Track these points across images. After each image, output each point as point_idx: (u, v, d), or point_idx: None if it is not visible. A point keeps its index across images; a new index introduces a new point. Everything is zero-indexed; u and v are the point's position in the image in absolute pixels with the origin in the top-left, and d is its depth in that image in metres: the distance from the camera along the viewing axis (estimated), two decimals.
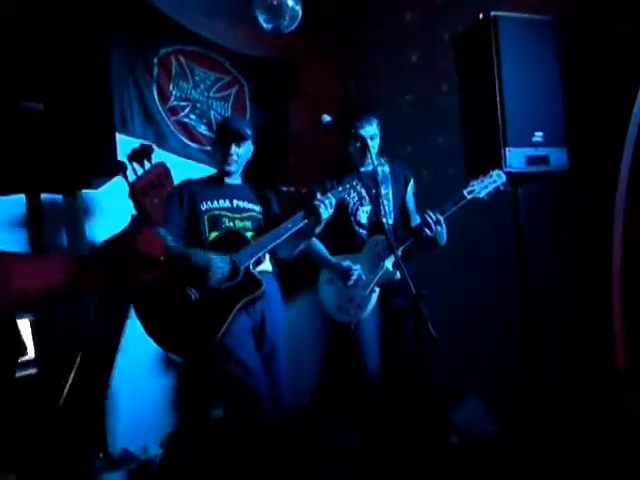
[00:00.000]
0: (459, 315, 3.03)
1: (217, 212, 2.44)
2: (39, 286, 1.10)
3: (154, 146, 1.27)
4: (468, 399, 2.76)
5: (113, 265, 1.16)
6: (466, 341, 2.98)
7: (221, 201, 2.47)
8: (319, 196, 2.37)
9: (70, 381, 1.07)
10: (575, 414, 2.40)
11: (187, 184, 2.49)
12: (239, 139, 2.44)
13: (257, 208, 2.55)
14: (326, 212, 2.34)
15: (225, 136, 2.46)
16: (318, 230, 2.45)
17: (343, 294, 2.54)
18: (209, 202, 2.45)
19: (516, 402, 2.56)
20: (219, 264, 2.25)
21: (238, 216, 2.48)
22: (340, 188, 2.41)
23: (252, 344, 2.38)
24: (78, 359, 1.10)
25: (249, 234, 2.44)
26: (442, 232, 2.42)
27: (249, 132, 2.48)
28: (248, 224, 2.48)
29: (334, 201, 2.37)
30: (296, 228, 2.34)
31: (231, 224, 2.45)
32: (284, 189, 2.54)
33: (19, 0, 1.84)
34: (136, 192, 1.19)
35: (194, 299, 2.21)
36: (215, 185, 2.52)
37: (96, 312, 1.15)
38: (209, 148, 3.49)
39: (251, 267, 2.31)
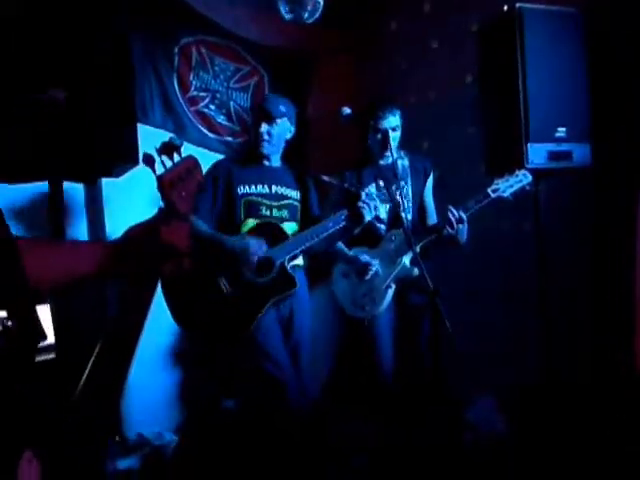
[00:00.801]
0: (474, 313, 3.00)
1: (254, 198, 2.36)
2: (69, 272, 1.12)
3: (182, 140, 1.28)
4: (481, 397, 2.75)
5: (137, 254, 1.17)
6: (481, 339, 2.96)
7: (259, 186, 2.38)
8: (364, 197, 2.30)
9: (89, 367, 1.08)
10: (589, 414, 2.38)
11: (223, 164, 2.43)
12: (269, 118, 2.33)
13: (295, 195, 2.46)
14: (370, 215, 2.29)
15: (255, 115, 2.39)
16: (357, 231, 2.40)
17: (358, 288, 2.51)
18: (246, 186, 2.35)
19: (529, 401, 2.54)
20: (255, 247, 2.19)
21: (276, 204, 2.39)
22: (375, 190, 2.38)
23: (280, 338, 2.34)
24: (98, 345, 1.11)
25: (286, 224, 2.38)
26: (463, 230, 2.39)
27: (283, 110, 2.36)
28: (285, 213, 2.41)
29: (379, 205, 2.32)
30: (336, 228, 2.30)
31: (268, 212, 2.37)
32: (325, 178, 2.44)
33: None
34: (164, 184, 1.21)
35: (225, 291, 2.19)
36: (253, 167, 2.42)
37: (119, 299, 1.16)
38: (228, 139, 3.51)
39: (286, 264, 2.27)
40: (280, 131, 2.38)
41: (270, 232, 2.30)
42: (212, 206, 2.31)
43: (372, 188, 2.36)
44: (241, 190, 2.34)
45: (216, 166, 2.39)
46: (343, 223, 2.30)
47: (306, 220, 2.46)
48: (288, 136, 2.43)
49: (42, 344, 2.20)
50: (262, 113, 2.35)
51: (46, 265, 1.05)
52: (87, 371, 1.09)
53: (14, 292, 0.98)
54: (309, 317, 2.49)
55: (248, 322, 2.20)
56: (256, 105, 2.51)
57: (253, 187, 2.37)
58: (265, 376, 2.24)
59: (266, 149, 2.38)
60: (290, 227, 2.41)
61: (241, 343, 2.25)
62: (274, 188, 2.41)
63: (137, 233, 1.26)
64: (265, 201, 2.37)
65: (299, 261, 2.42)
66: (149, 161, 1.22)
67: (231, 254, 2.19)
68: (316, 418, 2.40)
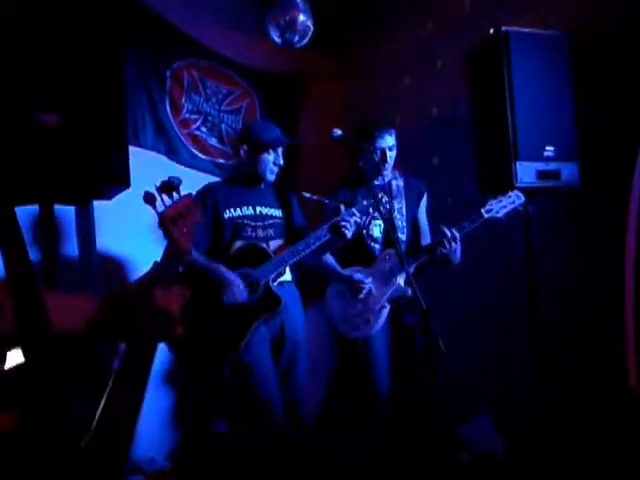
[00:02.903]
0: (468, 332, 3.00)
1: (240, 220, 2.45)
2: (61, 324, 1.09)
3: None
4: (478, 417, 2.73)
5: (127, 318, 1.16)
6: (475, 358, 2.95)
7: (244, 208, 2.48)
8: (344, 213, 2.37)
9: (100, 411, 1.07)
10: (586, 432, 2.37)
11: (211, 189, 2.51)
12: (277, 147, 2.48)
13: (279, 213, 2.56)
14: (351, 232, 2.35)
15: (265, 143, 2.46)
16: (341, 244, 2.46)
17: (352, 308, 2.50)
18: (232, 210, 2.45)
19: (526, 420, 2.53)
20: (236, 283, 2.29)
21: (261, 224, 2.49)
22: (365, 203, 2.42)
23: (269, 357, 2.40)
24: (106, 392, 1.10)
25: (273, 242, 2.47)
26: (457, 250, 2.40)
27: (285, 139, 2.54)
28: (271, 232, 2.50)
29: (360, 220, 2.39)
30: (319, 244, 2.36)
31: (253, 233, 2.46)
32: (307, 195, 2.49)
33: (34, 15, 1.87)
34: (165, 221, 1.24)
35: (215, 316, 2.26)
36: (238, 190, 2.52)
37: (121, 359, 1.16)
38: (220, 160, 3.52)
39: (270, 283, 2.33)
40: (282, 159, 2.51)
41: (254, 252, 2.39)
42: (205, 231, 2.40)
43: (354, 209, 2.39)
44: (227, 214, 2.44)
45: (205, 192, 2.48)
46: (325, 238, 2.36)
47: (292, 235, 2.54)
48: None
49: None
50: (275, 141, 2.46)
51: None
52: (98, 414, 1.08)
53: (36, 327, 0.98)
54: (302, 329, 2.54)
55: (236, 343, 2.27)
56: (263, 132, 2.51)
57: (238, 210, 2.46)
58: (250, 396, 2.30)
59: (274, 177, 2.50)
60: (275, 244, 2.49)
61: (230, 365, 2.30)
62: (258, 209, 2.50)
63: (131, 295, 1.26)
64: (251, 222, 2.46)
65: (287, 276, 2.49)
66: (150, 200, 1.25)
67: (218, 281, 2.29)
68: (312, 437, 2.38)
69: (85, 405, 1.10)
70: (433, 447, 2.37)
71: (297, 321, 2.51)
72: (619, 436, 2.24)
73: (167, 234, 1.25)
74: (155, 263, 1.28)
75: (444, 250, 2.36)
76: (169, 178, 1.30)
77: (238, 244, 2.42)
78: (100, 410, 1.06)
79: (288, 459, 2.25)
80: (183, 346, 2.29)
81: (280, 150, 2.49)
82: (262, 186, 2.55)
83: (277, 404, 2.32)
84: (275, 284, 2.36)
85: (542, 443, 2.37)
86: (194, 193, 2.29)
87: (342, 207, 2.39)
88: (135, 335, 1.13)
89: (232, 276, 2.30)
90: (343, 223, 2.33)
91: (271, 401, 2.31)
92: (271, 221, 2.51)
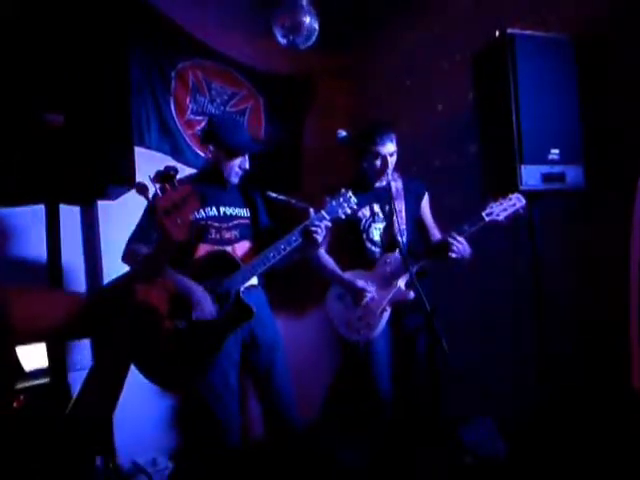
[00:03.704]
0: (472, 334, 3.00)
1: (203, 222, 2.34)
2: (42, 321, 1.07)
3: (178, 168, 1.27)
4: (480, 418, 2.72)
5: (109, 315, 1.12)
6: (478, 359, 2.95)
7: (207, 209, 2.36)
8: (314, 217, 2.28)
9: (74, 400, 1.04)
10: (589, 433, 2.36)
11: None
12: (246, 152, 2.41)
13: (244, 213, 2.46)
14: (322, 236, 2.27)
15: (236, 147, 2.37)
16: (313, 249, 2.38)
17: (353, 312, 2.49)
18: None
19: (528, 421, 2.52)
20: (205, 299, 2.16)
21: (225, 225, 2.38)
22: (334, 203, 2.33)
23: (234, 375, 2.31)
24: (83, 383, 1.07)
25: (238, 245, 2.37)
26: (465, 248, 2.39)
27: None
28: (236, 233, 2.40)
29: (330, 224, 2.29)
30: (289, 249, 2.26)
31: (218, 235, 2.36)
32: (273, 195, 2.38)
33: (39, 16, 1.88)
34: (158, 212, 1.19)
35: (181, 328, 2.12)
36: (201, 190, 2.33)
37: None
38: None
39: (241, 294, 2.22)
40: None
41: (220, 261, 2.26)
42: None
43: (323, 212, 2.31)
44: None
45: None
46: (295, 243, 2.27)
47: (259, 236, 2.45)
48: None
49: (37, 368, 2.18)
50: (249, 147, 2.40)
51: (16, 310, 1.02)
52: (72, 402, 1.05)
53: None
54: (276, 332, 2.46)
55: (208, 361, 2.16)
56: (228, 135, 2.40)
57: (202, 211, 2.35)
58: (206, 411, 2.24)
59: (237, 180, 2.42)
60: (242, 247, 2.39)
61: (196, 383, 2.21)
62: (222, 209, 2.40)
63: (113, 292, 1.21)
64: (215, 223, 2.36)
65: (253, 280, 2.36)
66: (142, 190, 1.21)
67: (183, 297, 2.15)
68: (313, 440, 2.37)
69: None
70: (434, 449, 2.37)
71: (268, 325, 2.43)
72: (621, 437, 2.23)
73: (159, 225, 1.20)
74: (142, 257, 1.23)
75: (454, 255, 2.35)
76: (165, 168, 1.24)
77: (203, 247, 2.31)
78: (75, 397, 1.03)
79: (290, 460, 2.25)
80: (149, 365, 2.12)
81: (247, 155, 2.41)
82: (226, 186, 2.45)
83: (234, 425, 2.26)
84: (242, 289, 2.25)
85: (544, 444, 2.37)
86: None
87: (311, 210, 2.30)
88: (116, 330, 1.10)
89: (200, 292, 2.16)
90: (313, 228, 2.25)
91: (228, 421, 2.24)
92: (236, 222, 2.41)
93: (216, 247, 2.32)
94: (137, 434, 2.93)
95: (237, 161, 2.38)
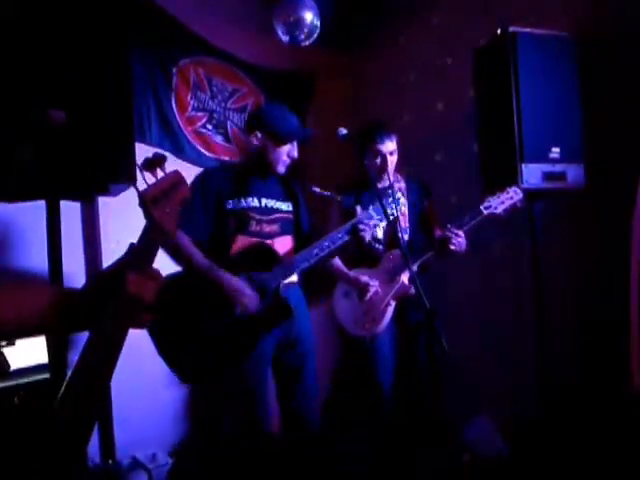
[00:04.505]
0: (473, 331, 3.00)
1: (244, 212, 2.22)
2: (20, 316, 1.04)
3: (167, 154, 1.22)
4: (480, 417, 2.73)
5: (98, 306, 1.08)
6: (478, 358, 2.95)
7: (249, 199, 2.25)
8: (363, 214, 2.22)
9: (63, 389, 1.02)
10: (589, 433, 2.36)
11: (211, 175, 2.28)
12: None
13: (287, 207, 2.36)
14: (369, 235, 2.22)
15: (290, 135, 2.27)
16: (352, 249, 2.34)
17: (359, 308, 2.52)
18: (235, 200, 2.22)
19: (529, 422, 2.52)
20: (247, 293, 2.07)
21: (266, 218, 2.27)
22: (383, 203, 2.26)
23: (268, 371, 2.24)
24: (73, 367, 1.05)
25: (277, 240, 2.27)
26: (462, 243, 2.40)
27: None
28: (276, 227, 2.29)
29: (378, 222, 2.24)
30: (334, 248, 2.19)
31: (258, 227, 2.24)
32: (317, 191, 2.32)
33: (39, 14, 1.88)
34: (146, 201, 1.12)
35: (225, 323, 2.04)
36: (242, 179, 2.29)
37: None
38: (225, 158, 3.53)
39: (281, 290, 2.12)
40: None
41: (261, 254, 2.17)
42: (204, 222, 2.19)
43: (371, 210, 2.28)
44: (230, 204, 2.22)
45: (204, 178, 2.25)
46: (341, 241, 2.20)
47: (299, 233, 2.38)
48: None
49: (37, 364, 2.19)
50: (299, 133, 2.31)
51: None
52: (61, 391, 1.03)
53: None
54: (311, 334, 2.40)
55: (241, 358, 2.06)
56: (278, 121, 2.29)
57: (243, 201, 2.24)
58: (247, 409, 2.19)
59: (284, 170, 2.32)
60: (282, 242, 2.30)
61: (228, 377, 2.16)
62: (264, 201, 2.29)
63: (101, 281, 1.15)
64: (255, 215, 2.25)
65: (293, 277, 2.29)
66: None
67: (225, 292, 2.07)
68: (316, 437, 2.36)
69: None
70: (434, 448, 2.37)
71: (304, 326, 2.35)
72: (621, 437, 2.23)
73: (147, 215, 1.13)
74: (131, 245, 1.14)
75: (453, 247, 2.35)
76: (153, 154, 1.17)
77: (241, 239, 2.20)
78: (60, 394, 1.01)
79: (289, 458, 2.25)
80: (182, 362, 2.06)
81: (296, 142, 2.30)
82: (270, 177, 2.33)
83: (269, 419, 2.20)
84: (282, 286, 2.15)
85: (544, 444, 2.37)
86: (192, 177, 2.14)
87: (358, 208, 2.25)
88: (103, 320, 1.06)
89: (241, 285, 2.07)
90: (362, 226, 2.19)
91: (263, 416, 2.18)
92: (278, 215, 2.30)
93: (254, 239, 2.22)
94: (137, 430, 2.94)
95: (286, 148, 2.26)
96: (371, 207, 2.26)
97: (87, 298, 1.12)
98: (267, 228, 2.27)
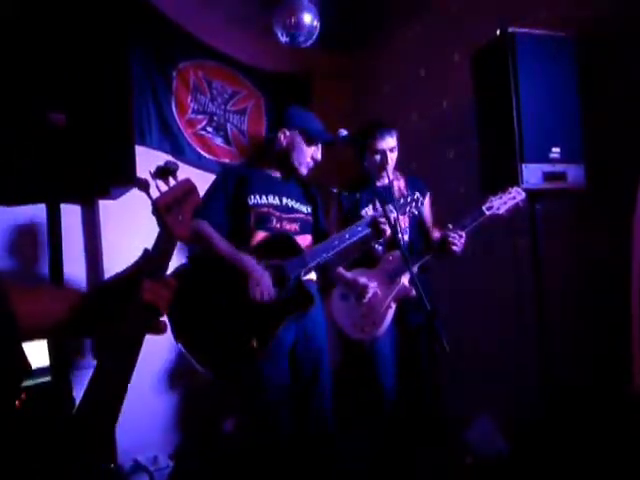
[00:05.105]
0: (474, 332, 3.00)
1: (265, 209, 2.25)
2: (42, 318, 1.05)
3: (179, 163, 1.25)
4: (481, 418, 2.72)
5: (112, 311, 1.09)
6: (479, 359, 2.95)
7: (270, 197, 2.28)
8: (381, 208, 2.17)
9: (82, 396, 1.02)
10: (590, 434, 2.36)
11: (234, 171, 2.35)
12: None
13: (306, 209, 2.39)
14: (389, 229, 2.18)
15: (317, 137, 2.30)
16: (373, 243, 2.33)
17: (357, 311, 2.49)
18: (257, 196, 2.25)
19: (530, 422, 2.52)
20: (265, 278, 2.06)
21: (286, 217, 2.29)
22: (402, 201, 2.29)
23: (285, 362, 2.21)
24: (91, 376, 1.05)
25: (297, 238, 2.26)
26: (463, 244, 2.38)
27: None
28: (296, 226, 2.32)
29: (397, 216, 2.23)
30: (354, 239, 2.19)
31: (278, 225, 2.27)
32: (334, 190, 2.39)
33: (39, 16, 1.88)
34: (160, 208, 1.15)
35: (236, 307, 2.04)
36: (264, 176, 2.34)
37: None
38: (225, 160, 3.53)
39: (302, 278, 2.12)
40: None
41: (283, 244, 2.19)
42: (225, 215, 2.21)
43: (397, 203, 2.29)
44: (252, 200, 2.24)
45: (227, 174, 2.31)
46: (362, 234, 2.21)
47: (317, 234, 2.40)
48: None
49: (37, 367, 2.19)
50: (325, 135, 2.32)
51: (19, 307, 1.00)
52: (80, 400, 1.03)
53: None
54: (325, 333, 2.38)
55: (263, 342, 2.02)
56: (308, 121, 2.34)
57: (264, 198, 2.27)
58: (261, 401, 2.14)
59: (306, 171, 2.35)
60: (304, 240, 2.31)
61: (246, 367, 2.10)
62: (284, 200, 2.32)
63: (116, 286, 1.16)
64: (276, 212, 2.27)
65: (312, 275, 2.31)
66: (143, 185, 1.18)
67: (247, 277, 2.06)
68: (330, 434, 2.33)
69: None
70: (435, 448, 2.37)
71: (320, 325, 2.34)
72: (622, 437, 2.23)
73: (160, 222, 1.16)
74: (145, 251, 1.16)
75: (454, 248, 2.35)
76: (165, 163, 1.20)
77: (261, 234, 2.21)
78: (79, 403, 1.02)
79: (289, 459, 2.24)
80: (200, 348, 2.04)
81: (320, 145, 2.34)
82: (291, 177, 2.37)
83: (284, 411, 2.15)
84: (303, 275, 2.15)
85: (545, 444, 2.37)
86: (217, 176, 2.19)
87: (378, 204, 2.24)
88: (119, 328, 1.08)
89: (261, 270, 2.06)
90: (382, 219, 2.17)
91: (278, 407, 2.14)
92: (297, 215, 2.33)
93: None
94: (138, 432, 2.93)
95: (311, 150, 2.30)
96: (393, 203, 2.26)
97: (96, 303, 1.13)
98: (287, 226, 2.29)
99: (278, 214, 2.27)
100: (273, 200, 2.28)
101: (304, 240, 2.32)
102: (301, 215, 2.36)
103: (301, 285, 2.12)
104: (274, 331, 2.05)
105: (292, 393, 2.28)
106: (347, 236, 2.19)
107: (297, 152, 2.30)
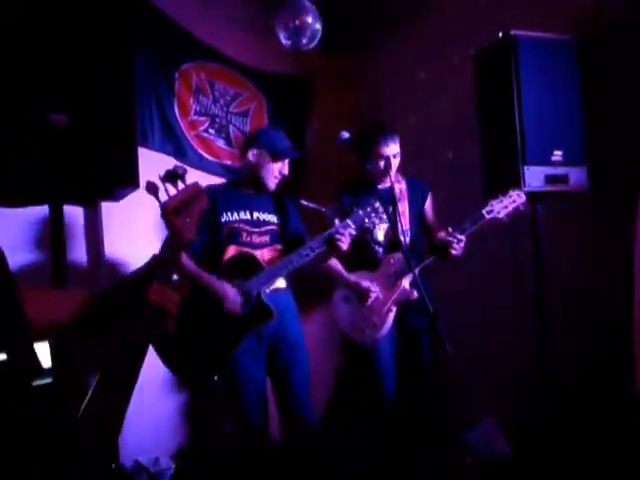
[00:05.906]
0: (475, 333, 2.99)
1: (236, 225, 2.44)
2: (51, 319, 1.06)
3: (187, 168, 1.26)
4: (483, 420, 2.72)
5: (122, 312, 1.11)
6: (481, 360, 2.94)
7: (241, 213, 2.47)
8: (338, 225, 2.34)
9: (88, 398, 1.03)
10: (591, 435, 2.36)
11: (210, 191, 2.42)
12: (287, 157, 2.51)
13: (276, 219, 2.54)
14: (346, 244, 2.32)
15: (282, 153, 2.48)
16: (335, 256, 2.46)
17: (359, 313, 2.50)
18: (229, 213, 2.45)
19: (531, 423, 2.52)
20: (232, 295, 2.26)
21: (256, 230, 2.47)
22: (361, 212, 2.36)
23: (258, 368, 2.41)
24: (97, 378, 1.05)
25: (266, 250, 2.45)
26: (463, 247, 2.40)
27: None
28: (266, 238, 2.48)
29: (354, 232, 2.34)
30: (312, 256, 2.33)
31: (249, 239, 2.44)
32: (304, 203, 2.51)
33: (41, 16, 1.88)
34: (168, 212, 1.18)
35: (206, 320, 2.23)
36: (237, 194, 2.52)
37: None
38: (227, 162, 3.53)
39: (262, 295, 2.30)
40: None
41: (247, 262, 2.36)
42: (199, 234, 2.31)
43: (356, 216, 2.35)
44: (224, 218, 2.43)
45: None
46: (318, 250, 2.34)
47: (289, 242, 2.52)
48: None
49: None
50: (291, 152, 2.51)
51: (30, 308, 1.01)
52: (85, 401, 1.04)
53: (11, 327, 0.95)
54: (300, 334, 2.52)
55: (224, 356, 2.27)
56: (273, 140, 2.53)
57: (235, 214, 2.45)
58: (237, 403, 2.36)
59: (274, 186, 2.51)
60: (272, 251, 2.47)
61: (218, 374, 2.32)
62: (255, 214, 2.49)
63: (127, 286, 1.19)
64: (246, 227, 2.45)
65: (281, 283, 2.45)
66: (153, 189, 1.20)
67: (212, 295, 2.26)
68: (318, 438, 2.37)
69: None
70: (436, 449, 2.37)
71: (292, 327, 2.49)
72: (623, 438, 2.23)
73: (169, 225, 1.20)
74: (154, 256, 1.20)
75: (455, 253, 2.36)
76: (174, 167, 1.24)
77: (232, 249, 2.40)
78: (84, 405, 1.03)
79: (290, 459, 2.26)
80: (173, 356, 2.27)
81: (287, 161, 2.50)
82: (261, 192, 2.54)
83: (257, 413, 2.36)
84: (268, 291, 2.34)
85: (546, 445, 2.37)
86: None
87: (336, 220, 2.37)
88: (128, 330, 1.09)
89: (228, 288, 2.28)
90: (337, 236, 2.30)
91: (253, 409, 2.35)
92: (268, 227, 2.50)
93: (245, 249, 2.42)
94: (140, 433, 2.93)
95: (278, 165, 2.46)
96: (351, 217, 2.36)
97: (104, 304, 1.14)
98: (257, 239, 2.47)
99: (249, 228, 2.46)
100: (244, 215, 2.47)
101: (273, 251, 2.49)
102: (272, 227, 2.52)
103: (261, 302, 2.29)
104: (238, 341, 2.26)
105: (274, 390, 2.51)
106: (305, 253, 2.33)
107: (264, 170, 2.47)
